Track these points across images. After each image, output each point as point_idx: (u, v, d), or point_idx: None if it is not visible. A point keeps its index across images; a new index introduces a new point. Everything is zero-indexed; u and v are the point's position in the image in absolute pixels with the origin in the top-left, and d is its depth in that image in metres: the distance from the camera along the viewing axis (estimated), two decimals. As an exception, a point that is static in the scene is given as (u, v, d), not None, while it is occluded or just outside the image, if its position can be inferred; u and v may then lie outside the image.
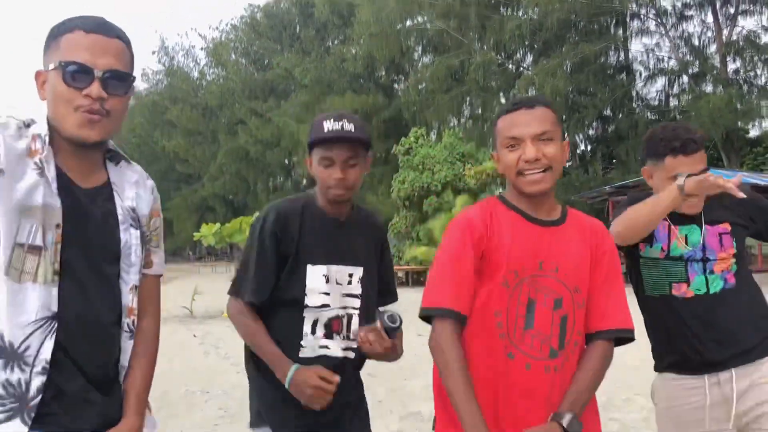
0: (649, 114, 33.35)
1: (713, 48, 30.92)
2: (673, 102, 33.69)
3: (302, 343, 2.09)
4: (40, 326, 1.45)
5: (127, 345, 1.63)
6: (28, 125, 1.52)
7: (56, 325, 1.46)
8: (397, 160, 26.38)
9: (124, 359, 1.63)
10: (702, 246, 2.29)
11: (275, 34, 54.85)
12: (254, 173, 53.04)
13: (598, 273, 1.75)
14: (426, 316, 1.70)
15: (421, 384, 6.29)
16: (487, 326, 1.68)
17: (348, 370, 2.15)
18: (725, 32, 30.18)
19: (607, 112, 33.77)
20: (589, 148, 37.83)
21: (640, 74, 34.21)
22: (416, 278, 20.78)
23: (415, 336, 8.88)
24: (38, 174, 1.46)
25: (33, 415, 1.43)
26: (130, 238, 1.62)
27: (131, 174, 1.70)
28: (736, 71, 30.36)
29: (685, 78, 31.94)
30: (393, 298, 2.37)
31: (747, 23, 44.59)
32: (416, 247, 22.45)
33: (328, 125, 2.07)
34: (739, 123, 27.54)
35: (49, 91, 1.53)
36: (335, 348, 2.11)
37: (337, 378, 1.98)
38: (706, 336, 2.23)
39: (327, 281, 2.10)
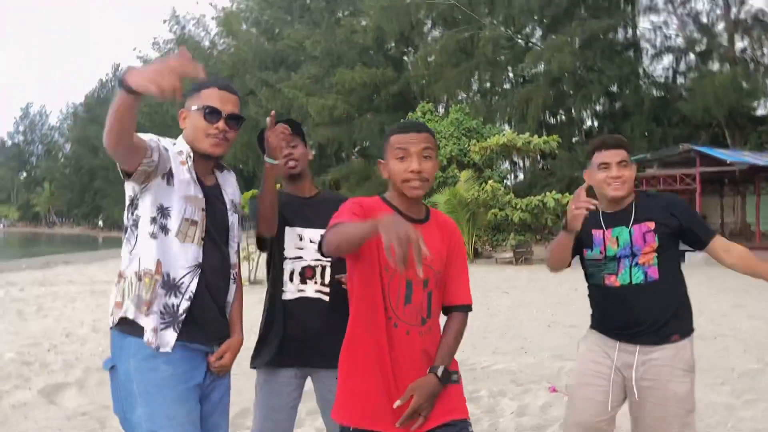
0: (655, 91, 33.46)
1: (721, 26, 30.89)
2: (679, 80, 33.70)
3: (283, 288, 2.68)
4: (191, 270, 2.20)
5: (231, 288, 2.38)
6: (174, 144, 2.31)
7: (200, 271, 2.22)
8: (405, 135, 26.70)
9: (230, 297, 2.37)
10: (630, 243, 2.66)
11: (286, 4, 54.72)
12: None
13: (451, 259, 2.18)
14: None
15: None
16: (376, 305, 2.06)
17: (323, 310, 2.64)
18: (734, 10, 30.15)
19: (614, 88, 33.81)
20: (596, 123, 37.92)
21: (647, 52, 34.25)
22: (421, 251, 21.36)
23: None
24: (189, 175, 2.24)
25: (180, 327, 2.16)
26: (234, 219, 2.39)
27: (230, 177, 2.46)
28: (743, 50, 30.38)
29: (691, 56, 32.02)
30: None
31: (756, 1, 44.31)
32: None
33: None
34: (744, 102, 27.60)
35: (189, 122, 2.31)
36: (310, 291, 2.66)
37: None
38: (624, 317, 2.66)
39: (301, 239, 2.71)
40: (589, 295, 2.86)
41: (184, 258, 2.19)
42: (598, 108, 36.47)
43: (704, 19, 31.58)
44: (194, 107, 2.28)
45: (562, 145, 32.26)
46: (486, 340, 7.68)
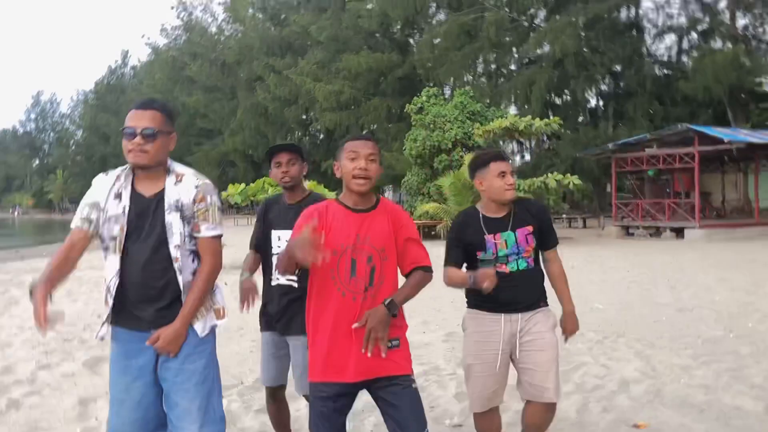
0: (657, 71, 33.72)
1: (723, 3, 31.06)
2: (682, 59, 33.90)
3: (271, 276, 3.45)
4: (114, 275, 2.68)
5: (173, 279, 2.67)
6: (124, 168, 2.77)
7: (120, 273, 2.67)
8: (411, 118, 27.17)
9: (179, 285, 2.68)
10: (516, 244, 3.26)
11: (292, -12, 54.87)
12: (273, 129, 53.75)
13: (399, 237, 2.73)
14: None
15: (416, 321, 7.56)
16: (327, 279, 2.65)
17: (292, 293, 3.34)
18: (735, -13, 30.32)
19: (617, 68, 34.09)
20: (600, 103, 38.24)
21: (650, 31, 34.47)
22: (427, 232, 21.80)
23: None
24: (117, 200, 2.70)
25: (110, 318, 2.71)
26: (171, 218, 2.68)
27: (182, 186, 2.74)
28: (745, 27, 30.60)
29: (694, 34, 32.26)
30: None
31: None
32: (427, 203, 23.49)
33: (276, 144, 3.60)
34: (745, 79, 27.87)
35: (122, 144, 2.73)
36: (282, 279, 3.38)
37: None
38: (513, 294, 3.24)
39: (279, 239, 3.42)
40: None
41: (110, 267, 2.69)
42: (602, 88, 36.82)
43: (706, -2, 31.77)
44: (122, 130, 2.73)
45: (567, 125, 32.73)
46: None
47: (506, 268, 3.26)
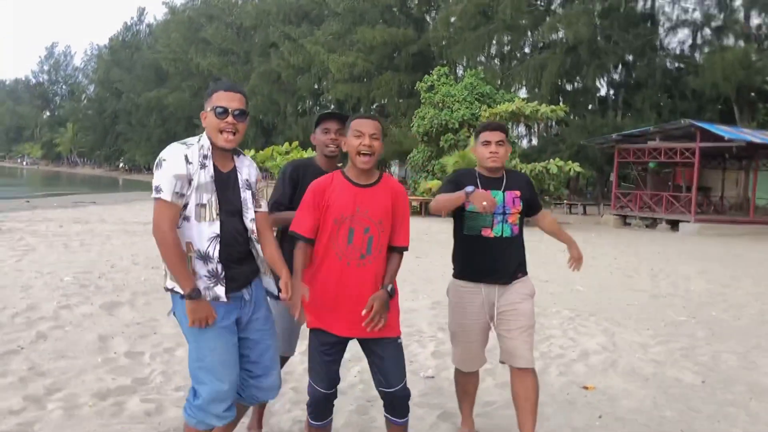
0: (668, 64, 33.89)
1: (739, 1, 31.13)
2: (694, 54, 34.01)
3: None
4: (211, 241, 2.77)
5: (257, 246, 2.94)
6: (199, 140, 2.85)
7: (219, 240, 2.78)
8: (420, 96, 27.54)
9: (259, 252, 2.96)
10: (503, 204, 3.41)
11: (312, -42, 54.73)
12: (285, 97, 54.07)
13: (395, 213, 3.00)
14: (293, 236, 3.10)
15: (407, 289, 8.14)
16: (329, 245, 2.92)
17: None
18: (752, -14, 30.37)
19: (629, 59, 34.27)
20: (610, 92, 38.46)
21: (664, 24, 34.57)
22: (428, 210, 22.40)
23: (414, 258, 10.78)
24: (203, 170, 2.77)
25: (224, 282, 2.79)
26: (246, 195, 2.92)
27: (245, 160, 2.99)
28: (759, 27, 30.72)
29: (707, 30, 32.38)
30: None
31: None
32: (431, 181, 24.00)
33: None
34: (753, 78, 28.09)
35: (207, 122, 2.84)
36: None
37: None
38: (495, 262, 3.41)
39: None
40: (459, 247, 3.57)
41: (201, 233, 2.77)
42: (613, 77, 37.03)
43: (723, -6, 31.83)
44: (208, 108, 2.84)
45: (575, 112, 33.08)
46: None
47: (491, 233, 3.42)
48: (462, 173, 3.62)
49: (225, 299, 2.79)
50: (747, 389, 4.86)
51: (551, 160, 21.92)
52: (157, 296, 7.25)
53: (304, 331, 3.27)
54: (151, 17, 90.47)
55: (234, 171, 2.92)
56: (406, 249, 3.12)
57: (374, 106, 49.14)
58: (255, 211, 2.95)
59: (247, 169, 2.97)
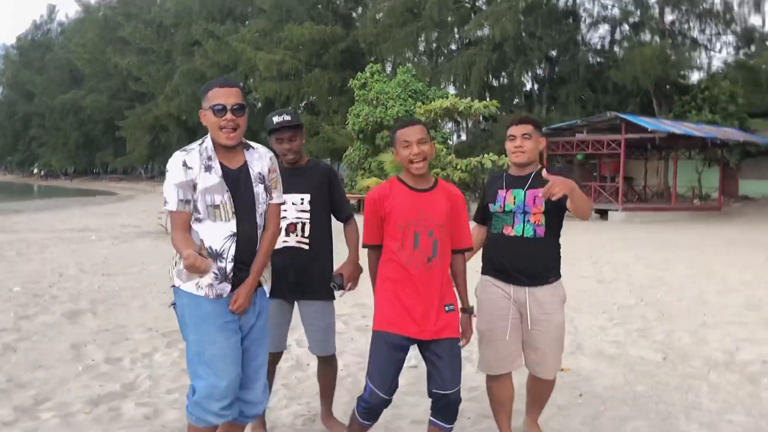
0: (590, 59, 35.20)
1: (654, -1, 32.65)
2: (614, 49, 35.46)
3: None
4: (227, 239, 2.77)
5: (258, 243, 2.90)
6: (202, 143, 2.84)
7: (236, 239, 2.78)
8: (352, 92, 27.58)
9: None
10: (523, 203, 3.32)
11: (234, -48, 53.83)
12: (210, 96, 52.95)
13: (453, 216, 3.04)
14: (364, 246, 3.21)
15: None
16: (396, 251, 2.97)
17: (304, 256, 3.45)
18: (665, -17, 31.88)
19: (553, 54, 35.38)
20: (536, 87, 39.56)
21: (585, 20, 35.88)
22: (367, 205, 22.51)
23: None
24: (210, 172, 2.79)
25: (232, 280, 2.79)
26: (259, 189, 2.88)
27: (255, 153, 2.93)
28: (672, 23, 32.31)
29: (626, 26, 33.81)
30: (343, 213, 3.63)
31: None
32: (368, 178, 24.12)
33: (277, 119, 3.50)
34: (670, 72, 29.54)
35: (206, 120, 2.81)
36: (292, 242, 3.46)
37: None
38: (515, 262, 3.33)
39: (284, 202, 3.21)
40: (488, 245, 3.49)
41: (215, 233, 2.78)
42: (538, 72, 38.12)
43: (639, -9, 33.23)
44: (206, 107, 2.80)
45: (503, 107, 33.82)
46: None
47: (512, 231, 3.35)
48: (490, 179, 3.58)
49: (226, 295, 2.78)
50: (703, 363, 5.22)
51: (485, 155, 22.42)
52: (116, 302, 7.12)
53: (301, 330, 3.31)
54: (63, 15, 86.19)
55: (245, 166, 2.88)
56: (471, 249, 3.21)
57: (303, 104, 48.86)
58: (267, 204, 2.93)
59: (258, 162, 2.93)
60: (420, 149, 2.94)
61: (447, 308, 3.00)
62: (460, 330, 3.05)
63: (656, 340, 5.88)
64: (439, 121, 25.60)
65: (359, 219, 3.23)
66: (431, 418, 3.07)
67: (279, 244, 3.37)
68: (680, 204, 25.70)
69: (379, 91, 25.88)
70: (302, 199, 3.51)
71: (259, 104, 52.77)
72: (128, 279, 8.67)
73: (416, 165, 2.95)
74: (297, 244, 3.48)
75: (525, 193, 3.34)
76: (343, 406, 4.05)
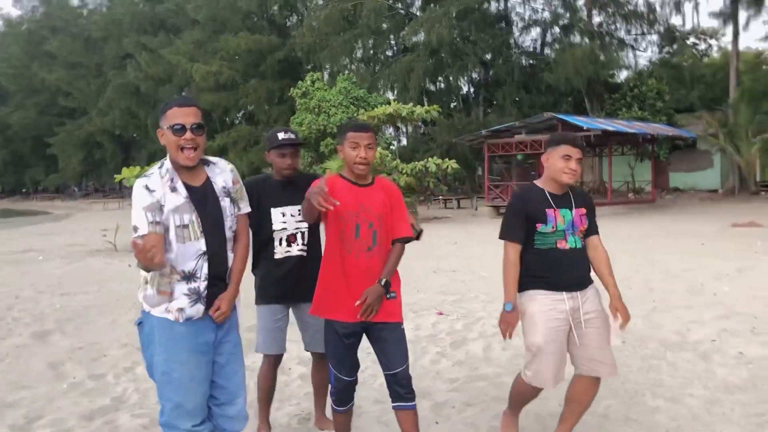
0: (524, 61, 36.25)
1: (581, 1, 33.85)
2: (546, 51, 36.63)
3: (274, 250, 3.64)
4: (198, 259, 2.78)
5: (229, 257, 2.91)
6: (162, 166, 2.83)
7: (207, 257, 2.80)
8: (292, 101, 27.67)
9: (229, 264, 2.92)
10: (572, 222, 3.46)
11: (164, -37, 53.04)
12: (145, 109, 51.65)
13: (392, 208, 3.25)
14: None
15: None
16: (338, 240, 3.16)
17: (305, 264, 3.64)
18: (591, -13, 33.16)
19: (487, 58, 36.24)
20: (472, 90, 40.39)
21: (517, 24, 36.97)
22: (314, 213, 22.61)
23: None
24: (174, 193, 2.78)
25: (205, 302, 2.79)
26: (225, 203, 2.91)
27: (215, 168, 2.95)
28: (600, 24, 33.62)
29: (556, 29, 34.98)
30: None
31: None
32: (314, 185, 24.20)
33: (282, 135, 3.81)
34: (600, 72, 30.74)
35: (165, 140, 2.80)
36: (294, 251, 3.66)
37: None
38: (574, 272, 3.45)
39: (283, 215, 3.61)
40: (533, 260, 3.48)
41: (186, 252, 2.76)
42: (474, 76, 38.96)
43: (567, -5, 34.46)
44: (165, 126, 2.79)
45: (441, 112, 34.47)
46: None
47: (566, 245, 3.46)
48: (526, 196, 3.57)
49: (201, 316, 2.80)
50: (660, 344, 5.62)
51: (429, 159, 22.83)
52: (83, 321, 7.08)
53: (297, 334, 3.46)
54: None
55: (208, 182, 2.91)
56: (410, 239, 3.34)
57: (240, 114, 48.45)
58: (235, 216, 2.97)
59: (220, 176, 2.96)
60: (366, 153, 3.19)
61: (389, 296, 3.20)
62: (368, 299, 3.12)
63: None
64: (382, 126, 25.91)
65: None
66: (393, 405, 3.24)
67: (281, 254, 3.63)
68: (616, 198, 26.72)
69: (320, 99, 26.06)
70: (299, 210, 3.63)
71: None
72: (89, 298, 8.58)
73: (360, 166, 3.19)
74: (299, 253, 3.68)
75: (573, 212, 3.49)
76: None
